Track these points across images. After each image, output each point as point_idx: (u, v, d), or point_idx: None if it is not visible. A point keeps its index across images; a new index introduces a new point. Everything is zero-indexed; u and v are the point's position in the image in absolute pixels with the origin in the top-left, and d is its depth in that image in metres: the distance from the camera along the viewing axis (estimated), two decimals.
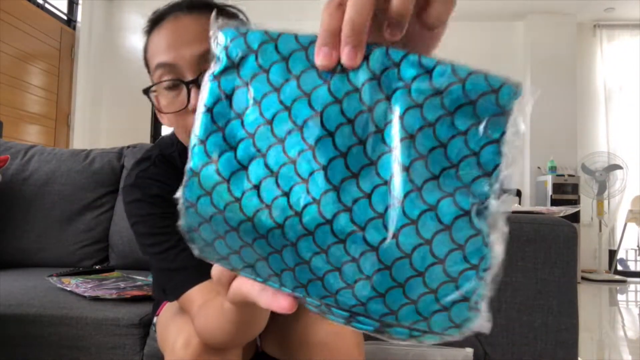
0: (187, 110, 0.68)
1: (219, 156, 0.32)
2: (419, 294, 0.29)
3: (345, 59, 0.29)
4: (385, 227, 0.29)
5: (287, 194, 0.30)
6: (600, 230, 4.89)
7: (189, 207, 0.33)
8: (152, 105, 0.74)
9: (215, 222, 0.32)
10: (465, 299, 0.29)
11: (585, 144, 5.15)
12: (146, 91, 0.72)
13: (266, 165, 0.30)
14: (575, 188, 4.73)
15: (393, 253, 0.29)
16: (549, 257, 0.98)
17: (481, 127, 0.28)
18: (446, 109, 0.28)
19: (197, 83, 0.67)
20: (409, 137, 0.28)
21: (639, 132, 5.05)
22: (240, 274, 0.36)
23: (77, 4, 4.64)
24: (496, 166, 0.28)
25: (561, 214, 1.08)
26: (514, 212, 1.08)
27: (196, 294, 0.67)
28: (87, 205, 1.63)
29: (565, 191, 4.71)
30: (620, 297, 4.21)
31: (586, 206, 4.85)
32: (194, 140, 0.33)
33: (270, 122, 0.31)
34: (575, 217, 4.48)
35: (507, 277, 0.99)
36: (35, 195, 1.62)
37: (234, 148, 0.31)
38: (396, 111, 0.29)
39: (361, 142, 0.29)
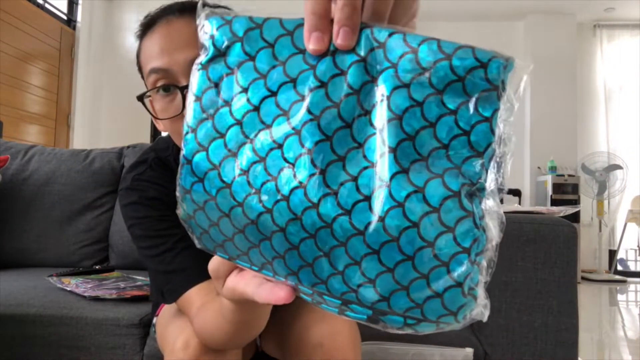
0: (183, 116, 0.67)
1: (209, 143, 0.32)
2: (409, 280, 0.28)
3: (341, 41, 0.29)
4: (372, 210, 0.28)
5: (275, 179, 0.30)
6: (600, 230, 4.89)
7: (185, 194, 0.34)
8: (148, 111, 0.73)
9: (209, 209, 0.33)
10: (458, 284, 0.28)
11: (585, 144, 5.15)
12: (140, 97, 0.71)
13: (254, 151, 0.31)
14: (575, 188, 4.73)
15: (380, 237, 0.28)
16: (549, 257, 0.98)
17: (471, 105, 0.27)
18: (434, 88, 0.27)
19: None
20: (396, 118, 0.28)
21: (639, 132, 5.05)
22: (236, 263, 0.36)
23: (77, 4, 4.64)
24: (488, 145, 0.27)
25: (561, 214, 1.08)
26: (513, 212, 1.08)
27: (194, 296, 0.67)
28: (87, 205, 1.63)
29: (565, 191, 4.70)
30: (620, 297, 4.21)
31: (586, 206, 4.85)
32: (185, 128, 0.33)
33: (257, 108, 0.31)
34: (575, 217, 4.48)
35: (507, 277, 0.99)
36: (35, 195, 1.62)
37: (223, 135, 0.32)
38: (383, 92, 0.28)
39: (348, 125, 0.29)
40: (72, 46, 4.56)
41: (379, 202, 0.28)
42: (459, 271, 0.28)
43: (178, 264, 0.71)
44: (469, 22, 5.23)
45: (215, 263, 0.40)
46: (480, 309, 0.30)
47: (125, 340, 1.04)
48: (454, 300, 0.29)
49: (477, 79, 0.27)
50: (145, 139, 4.71)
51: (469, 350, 0.97)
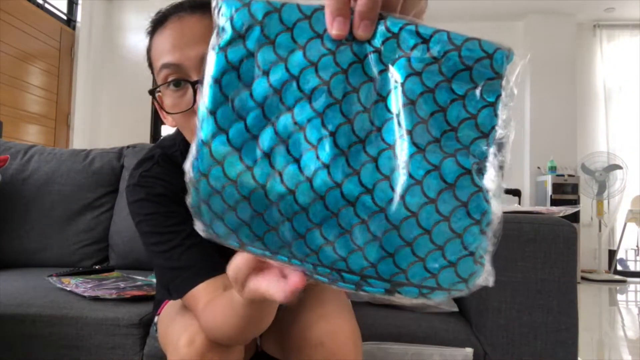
0: (194, 110, 0.68)
1: (229, 126, 0.32)
2: (426, 252, 0.31)
3: (362, 32, 0.31)
4: (392, 189, 0.31)
5: (297, 160, 0.31)
6: (600, 230, 4.89)
7: (201, 179, 0.33)
8: (153, 105, 0.74)
9: (227, 193, 0.33)
10: (470, 253, 0.31)
11: (585, 144, 5.15)
12: (152, 92, 0.73)
13: (276, 134, 0.32)
14: (575, 188, 4.73)
15: (400, 213, 0.31)
16: (549, 257, 0.98)
17: (478, 91, 0.30)
18: (444, 75, 0.30)
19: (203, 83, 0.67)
20: (411, 103, 0.30)
21: (639, 132, 5.05)
22: (248, 250, 0.36)
23: (77, 4, 4.64)
24: (493, 127, 0.30)
25: (561, 214, 1.08)
26: (513, 212, 1.08)
27: (202, 292, 0.67)
28: (87, 205, 1.63)
29: (565, 191, 4.70)
30: (620, 297, 4.21)
31: (586, 206, 4.85)
32: (203, 112, 0.33)
33: (279, 91, 0.32)
34: (575, 217, 4.47)
35: (507, 277, 0.99)
36: (35, 195, 1.62)
37: (243, 118, 0.32)
38: (397, 79, 0.31)
39: (366, 109, 0.31)
40: (72, 46, 4.56)
41: (398, 181, 0.31)
42: (472, 242, 0.31)
43: (185, 260, 0.71)
44: (469, 22, 5.22)
45: (236, 265, 0.40)
46: (486, 275, 0.33)
47: (125, 340, 1.04)
48: (466, 269, 0.32)
49: (483, 68, 0.30)
50: (145, 139, 4.70)
51: (469, 350, 0.97)
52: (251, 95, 0.32)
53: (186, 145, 0.79)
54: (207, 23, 0.69)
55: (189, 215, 0.35)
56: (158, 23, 0.73)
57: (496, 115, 0.30)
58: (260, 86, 0.32)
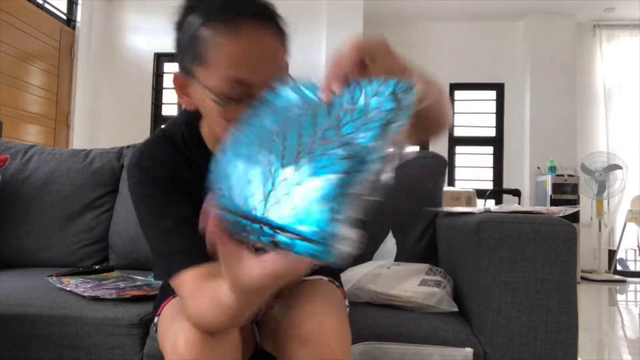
0: (236, 114, 0.64)
1: (243, 142, 0.57)
2: (291, 195, 0.44)
3: (325, 98, 0.52)
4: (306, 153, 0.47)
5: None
6: (599, 230, 4.89)
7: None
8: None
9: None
10: (333, 212, 0.40)
11: (585, 144, 5.15)
12: (218, 102, 0.66)
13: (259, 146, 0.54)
14: (575, 188, 4.73)
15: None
16: (548, 257, 0.98)
17: (385, 112, 0.47)
18: (366, 111, 0.48)
19: None
20: (345, 125, 0.48)
21: (638, 132, 5.05)
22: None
23: (76, 4, 4.64)
24: (388, 122, 0.46)
25: (561, 214, 1.07)
26: (513, 212, 1.08)
27: (189, 278, 0.68)
28: (87, 205, 1.63)
29: (565, 191, 4.70)
30: (619, 297, 4.21)
31: (586, 206, 4.85)
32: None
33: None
34: (575, 217, 4.48)
35: (507, 277, 0.99)
36: (35, 195, 1.62)
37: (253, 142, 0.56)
38: (343, 118, 0.49)
39: (318, 135, 0.49)
40: (72, 46, 4.55)
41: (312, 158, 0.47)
42: (330, 193, 0.42)
43: (178, 244, 0.72)
44: (469, 22, 5.23)
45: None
46: (349, 240, 0.40)
47: (125, 340, 1.04)
48: (325, 221, 0.41)
49: (390, 99, 0.48)
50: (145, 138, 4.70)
51: (469, 350, 0.97)
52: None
53: (187, 127, 0.81)
54: (279, 42, 0.67)
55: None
56: (223, 14, 0.64)
57: (392, 119, 0.46)
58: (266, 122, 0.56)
